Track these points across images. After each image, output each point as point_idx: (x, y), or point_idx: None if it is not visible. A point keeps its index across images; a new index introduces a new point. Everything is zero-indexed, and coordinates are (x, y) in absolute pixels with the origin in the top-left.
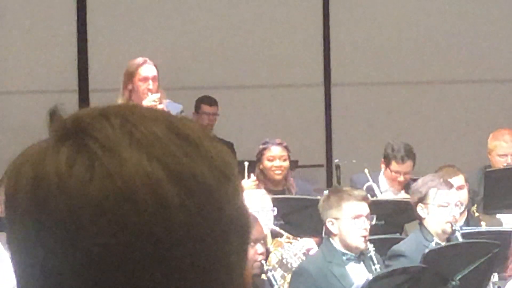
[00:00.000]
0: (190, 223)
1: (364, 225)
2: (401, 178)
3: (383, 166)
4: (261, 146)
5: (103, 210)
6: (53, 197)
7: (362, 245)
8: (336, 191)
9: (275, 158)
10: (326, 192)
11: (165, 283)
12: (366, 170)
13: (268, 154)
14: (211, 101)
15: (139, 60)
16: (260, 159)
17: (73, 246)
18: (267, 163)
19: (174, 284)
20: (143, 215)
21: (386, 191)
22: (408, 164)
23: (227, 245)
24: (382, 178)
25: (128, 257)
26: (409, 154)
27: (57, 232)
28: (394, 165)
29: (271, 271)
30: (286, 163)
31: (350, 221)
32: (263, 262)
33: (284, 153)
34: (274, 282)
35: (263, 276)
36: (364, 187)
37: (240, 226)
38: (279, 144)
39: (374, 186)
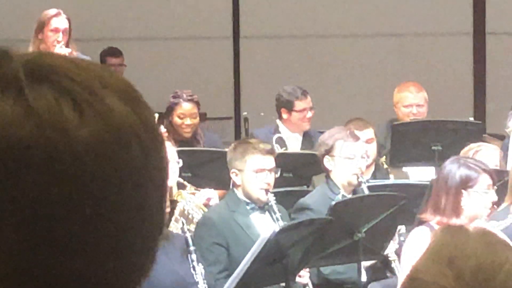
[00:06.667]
0: (150, 168)
1: (266, 179)
2: (309, 114)
3: (284, 115)
4: (172, 100)
5: (95, 152)
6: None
7: (263, 197)
8: (243, 143)
9: (186, 116)
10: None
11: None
12: (278, 121)
13: (179, 111)
14: (116, 52)
15: (53, 11)
16: (170, 113)
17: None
18: (177, 120)
19: (144, 224)
20: (135, 161)
21: (289, 138)
22: (309, 99)
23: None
24: (283, 128)
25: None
26: (304, 91)
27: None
28: (298, 104)
29: (189, 232)
30: (196, 120)
31: (252, 174)
32: (184, 221)
33: (195, 110)
34: (190, 243)
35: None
36: (274, 139)
37: (163, 177)
38: (190, 100)
39: (284, 137)
